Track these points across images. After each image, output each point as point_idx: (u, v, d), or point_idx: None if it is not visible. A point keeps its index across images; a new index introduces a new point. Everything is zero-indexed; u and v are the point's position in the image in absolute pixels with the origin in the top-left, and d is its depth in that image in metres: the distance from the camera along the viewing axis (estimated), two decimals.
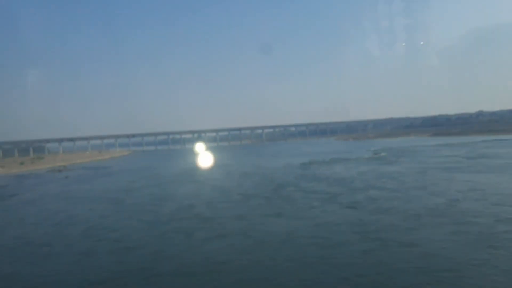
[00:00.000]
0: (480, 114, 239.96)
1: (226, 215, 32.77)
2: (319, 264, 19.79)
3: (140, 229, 29.51)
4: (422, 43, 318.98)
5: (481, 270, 17.65)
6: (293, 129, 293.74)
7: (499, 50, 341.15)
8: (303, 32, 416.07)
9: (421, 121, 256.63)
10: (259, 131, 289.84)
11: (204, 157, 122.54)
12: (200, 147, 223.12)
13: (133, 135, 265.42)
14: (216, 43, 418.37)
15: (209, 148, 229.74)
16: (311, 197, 38.80)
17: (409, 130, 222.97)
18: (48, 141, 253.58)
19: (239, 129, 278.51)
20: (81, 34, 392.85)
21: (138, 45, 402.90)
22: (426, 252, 20.41)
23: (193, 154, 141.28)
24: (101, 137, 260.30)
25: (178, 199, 42.33)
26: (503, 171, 47.92)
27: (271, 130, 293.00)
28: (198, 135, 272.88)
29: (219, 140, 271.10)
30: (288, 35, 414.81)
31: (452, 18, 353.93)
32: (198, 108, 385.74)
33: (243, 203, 38.10)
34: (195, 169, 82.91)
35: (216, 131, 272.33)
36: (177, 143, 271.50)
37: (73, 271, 20.68)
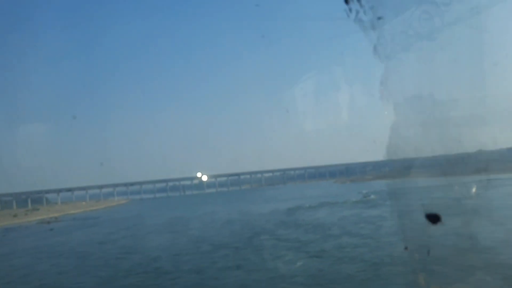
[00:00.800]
0: (479, 153, 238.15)
1: (185, 268, 31.46)
2: None
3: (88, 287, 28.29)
4: None
5: None
6: (292, 172, 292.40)
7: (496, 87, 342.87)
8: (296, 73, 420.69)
9: (421, 162, 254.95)
10: (258, 175, 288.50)
11: (195, 205, 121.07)
12: (197, 194, 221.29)
13: (132, 184, 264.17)
14: (212, 86, 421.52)
15: (206, 195, 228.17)
16: (281, 246, 37.50)
17: (409, 171, 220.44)
18: (47, 191, 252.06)
19: (238, 174, 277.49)
20: (72, 85, 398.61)
21: (137, 93, 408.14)
22: None
23: (188, 201, 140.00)
24: (100, 187, 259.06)
25: (146, 252, 41.01)
26: (484, 214, 46.47)
27: (270, 174, 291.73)
28: (198, 181, 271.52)
29: (218, 186, 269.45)
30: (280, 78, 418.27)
31: None
32: (198, 154, 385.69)
33: (209, 254, 36.79)
34: (181, 217, 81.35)
35: (215, 176, 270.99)
36: (176, 190, 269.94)
37: None
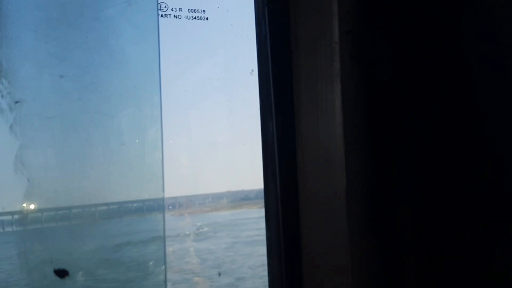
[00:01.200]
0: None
1: None
2: None
3: None
4: None
5: None
6: (130, 205, 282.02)
7: None
8: None
9: (255, 194, 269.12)
10: (92, 209, 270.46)
11: (11, 243, 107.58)
12: (18, 231, 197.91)
13: None
14: None
15: (29, 231, 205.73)
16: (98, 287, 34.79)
17: (243, 203, 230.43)
18: None
19: (69, 208, 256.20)
20: None
21: None
22: None
23: (3, 239, 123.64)
24: None
25: None
26: None
27: (105, 207, 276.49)
28: (20, 216, 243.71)
29: (45, 221, 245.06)
30: None
31: None
32: (18, 184, 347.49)
33: None
34: None
35: (41, 211, 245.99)
36: None
37: None
